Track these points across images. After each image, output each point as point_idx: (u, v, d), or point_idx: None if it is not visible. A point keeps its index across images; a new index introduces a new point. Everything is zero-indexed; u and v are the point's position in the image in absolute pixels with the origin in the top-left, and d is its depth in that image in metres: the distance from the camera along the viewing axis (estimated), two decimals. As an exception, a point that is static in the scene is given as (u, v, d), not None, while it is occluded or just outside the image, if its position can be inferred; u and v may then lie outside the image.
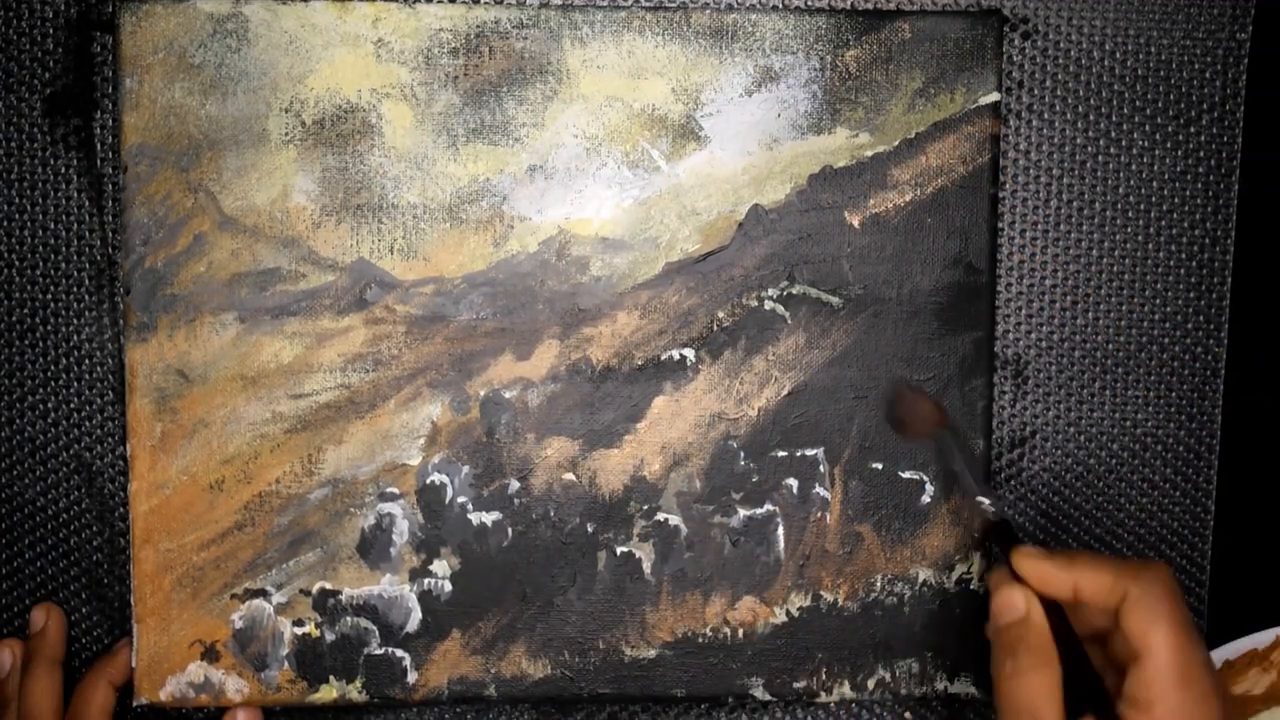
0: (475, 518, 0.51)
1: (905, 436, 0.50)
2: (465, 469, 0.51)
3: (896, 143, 0.51)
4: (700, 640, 0.52)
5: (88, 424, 0.53)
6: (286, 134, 0.50)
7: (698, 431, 0.51)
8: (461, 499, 0.51)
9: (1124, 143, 0.53)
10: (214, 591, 0.51)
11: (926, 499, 0.52)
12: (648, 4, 0.51)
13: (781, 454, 0.52)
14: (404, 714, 0.54)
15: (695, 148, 0.51)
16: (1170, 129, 0.53)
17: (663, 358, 0.51)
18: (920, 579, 0.52)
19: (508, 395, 0.51)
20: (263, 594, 0.51)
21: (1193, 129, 0.53)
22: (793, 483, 0.52)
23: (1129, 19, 0.53)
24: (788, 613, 0.52)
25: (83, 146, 0.52)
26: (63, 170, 0.52)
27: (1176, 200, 0.54)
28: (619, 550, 0.52)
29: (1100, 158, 0.53)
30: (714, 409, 0.51)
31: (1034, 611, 0.41)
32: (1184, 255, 0.54)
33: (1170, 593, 0.40)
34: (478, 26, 0.50)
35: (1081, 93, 0.53)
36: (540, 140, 0.51)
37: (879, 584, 0.52)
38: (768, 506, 0.52)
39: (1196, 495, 0.54)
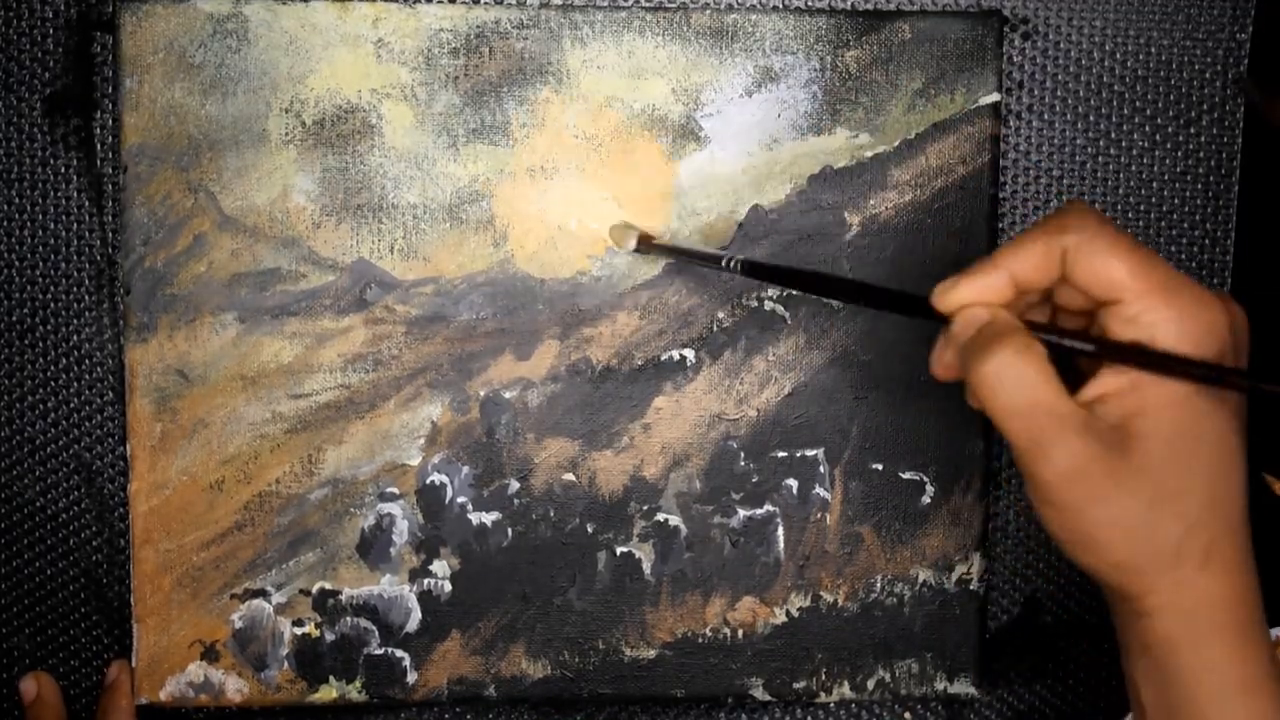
0: (475, 518, 0.51)
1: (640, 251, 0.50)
2: (465, 469, 0.51)
3: (896, 143, 0.51)
4: (700, 641, 0.52)
5: (88, 424, 0.53)
6: (286, 134, 0.50)
7: (698, 432, 0.51)
8: (461, 499, 0.51)
9: (1124, 143, 0.53)
10: (214, 591, 0.51)
11: (926, 500, 0.52)
12: (648, 4, 0.51)
13: (781, 454, 0.52)
14: (404, 714, 0.54)
15: (695, 148, 0.51)
16: (1170, 129, 0.53)
17: (663, 358, 0.51)
18: (920, 579, 0.52)
19: (508, 395, 0.51)
20: (263, 594, 0.51)
21: (1193, 129, 0.53)
22: (792, 483, 0.52)
23: (1129, 19, 0.53)
24: (787, 613, 0.52)
25: (83, 146, 0.52)
26: (63, 170, 0.52)
27: (1176, 200, 0.54)
28: (619, 550, 0.52)
29: (1100, 158, 0.53)
30: (714, 409, 0.51)
31: (998, 310, 0.36)
32: (1184, 255, 0.54)
33: (1103, 222, 0.36)
34: (478, 27, 0.50)
35: (1081, 93, 0.53)
36: (540, 141, 0.51)
37: (879, 584, 0.52)
38: (767, 507, 0.52)
39: (1196, 495, 0.54)
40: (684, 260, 0.49)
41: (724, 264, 0.44)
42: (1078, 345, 0.36)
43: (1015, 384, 0.35)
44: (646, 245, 0.49)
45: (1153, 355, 0.34)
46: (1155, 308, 0.35)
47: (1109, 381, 0.35)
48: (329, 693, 0.51)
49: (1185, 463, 0.35)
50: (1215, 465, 0.35)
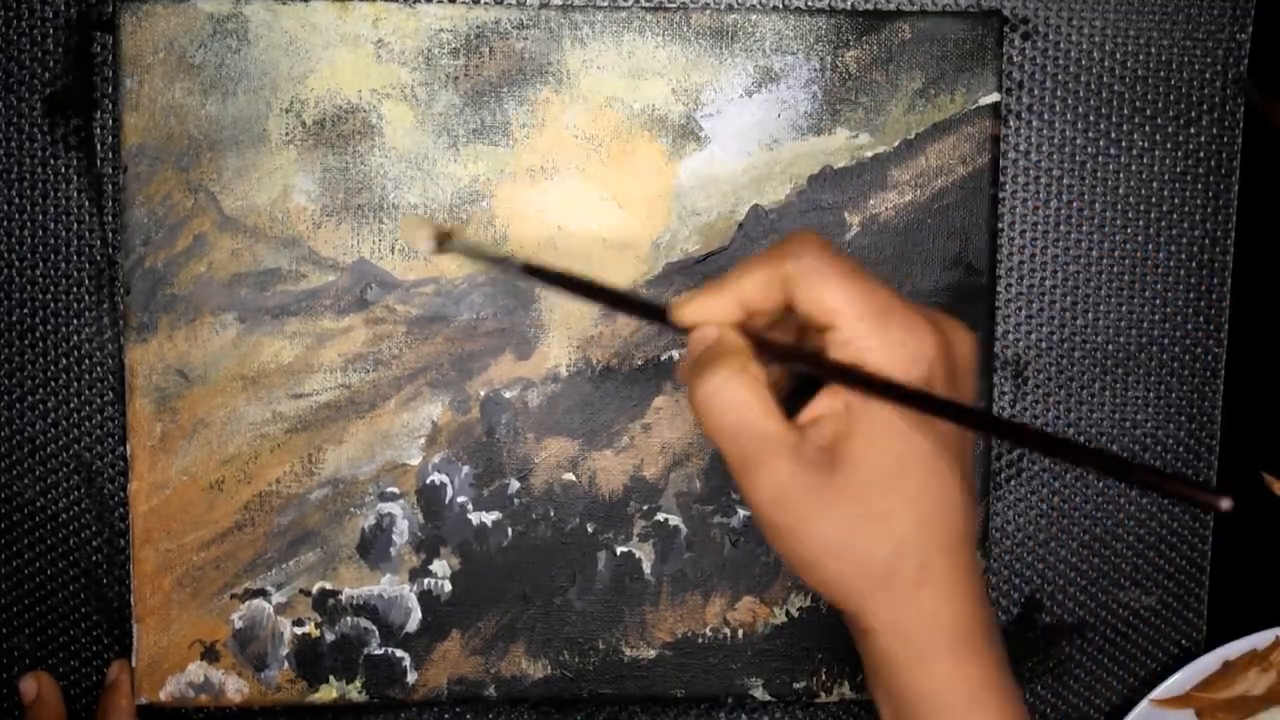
0: (475, 518, 0.51)
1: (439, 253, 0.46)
2: (465, 469, 0.51)
3: (896, 143, 0.51)
4: (700, 640, 0.52)
5: (88, 424, 0.53)
6: (287, 134, 0.50)
7: (698, 431, 0.51)
8: (461, 499, 0.51)
9: (1124, 143, 0.53)
10: (214, 591, 0.51)
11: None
12: (648, 4, 0.51)
13: (781, 454, 0.51)
14: (404, 714, 0.54)
15: (695, 148, 0.51)
16: (1170, 129, 0.53)
17: (663, 358, 0.51)
18: (920, 579, 0.52)
19: (508, 395, 0.51)
20: (263, 594, 0.51)
21: (1193, 129, 0.53)
22: (793, 483, 0.52)
23: (1129, 19, 0.53)
24: (787, 613, 0.52)
25: (83, 146, 0.52)
26: (63, 170, 0.52)
27: (1176, 200, 0.54)
28: (619, 550, 0.52)
29: (1100, 158, 0.53)
30: (714, 409, 0.51)
31: (726, 330, 0.37)
32: (1184, 255, 0.54)
33: (823, 250, 0.36)
34: (478, 27, 0.50)
35: (1081, 93, 0.53)
36: (540, 141, 0.51)
37: (879, 584, 0.52)
38: (768, 507, 0.52)
39: (1196, 495, 0.54)
40: (477, 260, 0.48)
41: (506, 264, 0.43)
42: (794, 364, 0.37)
43: (727, 406, 0.36)
44: (444, 245, 0.47)
45: (856, 375, 0.35)
46: (865, 334, 0.35)
47: (824, 404, 0.36)
48: (329, 693, 0.51)
49: (891, 485, 0.35)
50: (923, 488, 0.35)
